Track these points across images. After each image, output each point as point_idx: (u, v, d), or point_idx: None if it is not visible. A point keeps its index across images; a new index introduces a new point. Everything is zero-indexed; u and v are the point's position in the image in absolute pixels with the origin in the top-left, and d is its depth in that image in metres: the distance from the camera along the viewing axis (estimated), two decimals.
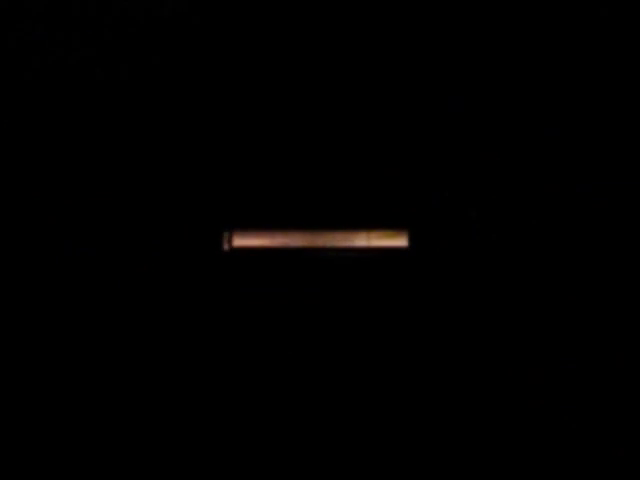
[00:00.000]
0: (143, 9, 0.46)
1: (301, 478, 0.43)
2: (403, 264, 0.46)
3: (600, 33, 0.50)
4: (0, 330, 0.42)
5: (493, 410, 0.44)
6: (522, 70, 0.50)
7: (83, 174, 0.44)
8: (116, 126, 0.44)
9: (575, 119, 0.49)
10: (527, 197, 0.47)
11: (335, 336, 0.45)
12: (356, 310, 0.46)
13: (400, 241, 0.46)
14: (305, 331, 0.45)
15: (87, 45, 0.47)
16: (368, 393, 0.44)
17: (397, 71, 0.51)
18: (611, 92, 0.49)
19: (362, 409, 0.44)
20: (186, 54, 0.47)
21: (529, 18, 0.51)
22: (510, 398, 0.44)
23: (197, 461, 0.43)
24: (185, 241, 0.43)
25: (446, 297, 0.46)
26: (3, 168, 0.44)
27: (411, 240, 0.46)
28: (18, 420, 0.39)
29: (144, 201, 0.44)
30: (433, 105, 0.50)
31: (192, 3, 0.45)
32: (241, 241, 0.40)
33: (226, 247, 0.42)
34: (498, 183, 0.48)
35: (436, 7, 0.50)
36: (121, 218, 0.44)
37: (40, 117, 0.46)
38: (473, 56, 0.50)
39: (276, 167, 0.37)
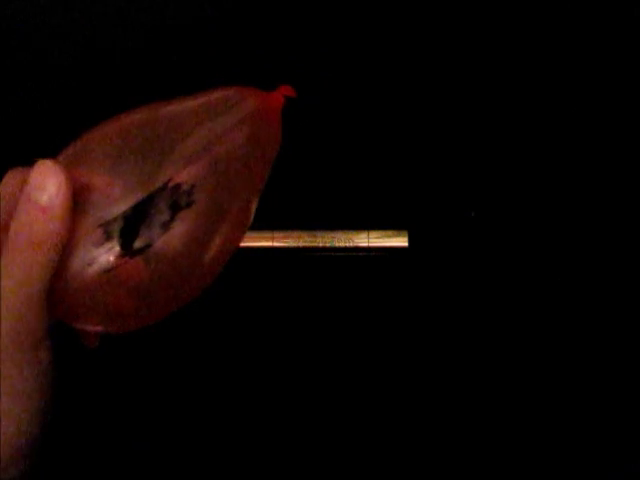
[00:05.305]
0: None
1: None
2: (403, 264, 0.46)
3: (596, 35, 0.50)
4: None
5: (493, 410, 0.44)
6: (519, 70, 0.50)
7: None
8: None
9: (572, 119, 0.49)
10: (526, 197, 0.47)
11: (335, 336, 0.45)
12: (356, 310, 0.45)
13: (400, 241, 0.46)
14: (305, 331, 0.45)
15: None
16: (368, 393, 0.44)
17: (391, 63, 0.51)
18: (609, 92, 0.49)
19: (360, 410, 0.44)
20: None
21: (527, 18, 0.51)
22: (509, 397, 0.44)
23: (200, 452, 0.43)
24: None
25: (446, 297, 0.46)
26: None
27: (411, 240, 0.46)
28: None
29: None
30: (432, 105, 0.50)
31: None
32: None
33: None
34: (497, 183, 0.48)
35: None
36: None
37: None
38: (471, 56, 0.50)
39: (275, 166, 0.37)
